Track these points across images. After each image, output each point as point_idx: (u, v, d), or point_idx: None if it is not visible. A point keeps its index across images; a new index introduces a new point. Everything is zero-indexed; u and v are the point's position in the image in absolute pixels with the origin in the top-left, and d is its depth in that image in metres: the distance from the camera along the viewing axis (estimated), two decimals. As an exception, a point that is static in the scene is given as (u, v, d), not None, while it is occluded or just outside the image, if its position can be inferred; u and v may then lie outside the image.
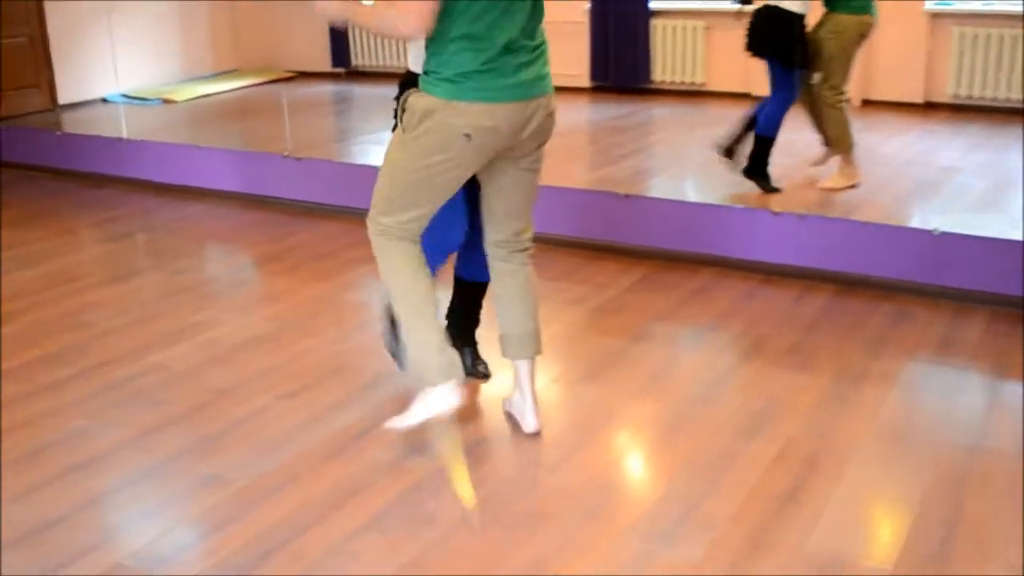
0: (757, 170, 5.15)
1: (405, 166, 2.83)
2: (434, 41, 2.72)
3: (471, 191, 3.10)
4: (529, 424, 3.12)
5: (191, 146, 6.27)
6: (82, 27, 8.16)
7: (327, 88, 9.06)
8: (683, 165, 6.06)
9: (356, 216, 5.45)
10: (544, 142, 2.94)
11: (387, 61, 9.14)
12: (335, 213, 5.49)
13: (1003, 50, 6.82)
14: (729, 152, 5.29)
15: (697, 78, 7.91)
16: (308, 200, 5.72)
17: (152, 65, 8.77)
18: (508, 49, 2.70)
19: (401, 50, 8.98)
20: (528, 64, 2.76)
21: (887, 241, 4.30)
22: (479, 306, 3.43)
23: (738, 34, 5.17)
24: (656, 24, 8.00)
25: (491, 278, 3.14)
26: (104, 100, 8.23)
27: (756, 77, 7.14)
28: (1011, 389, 3.44)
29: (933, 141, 6.16)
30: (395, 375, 3.57)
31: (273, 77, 9.14)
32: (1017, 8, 6.71)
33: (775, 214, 4.48)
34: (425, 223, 2.91)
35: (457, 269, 3.39)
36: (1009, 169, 5.45)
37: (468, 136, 2.72)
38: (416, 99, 2.76)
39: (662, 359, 3.68)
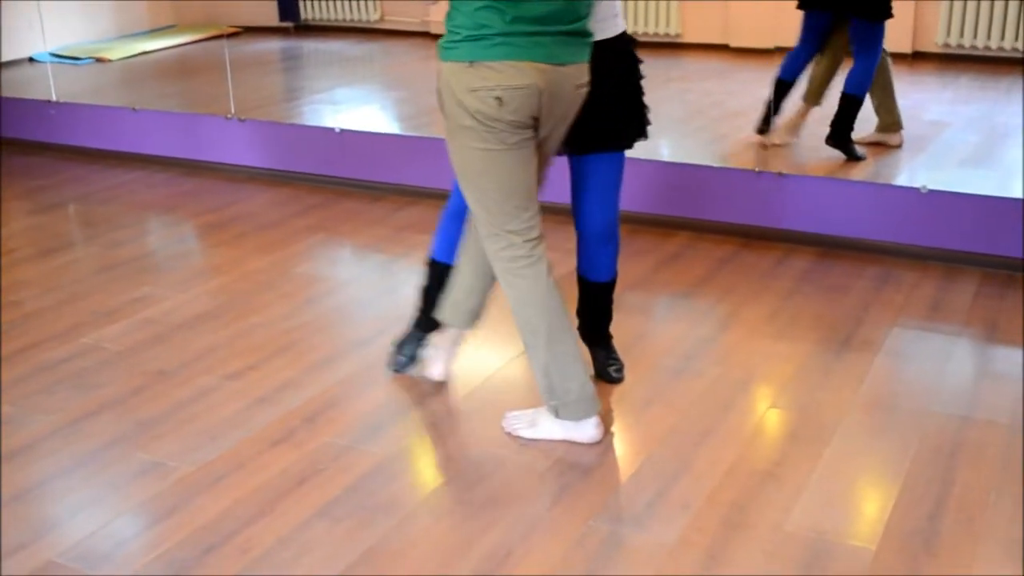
0: (844, 135, 4.91)
1: (468, 162, 2.73)
2: None
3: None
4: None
5: (127, 108, 6.19)
6: (4, -21, 8.03)
7: (274, 44, 8.96)
8: (656, 123, 6.02)
9: (305, 182, 5.47)
10: (568, 118, 2.80)
11: (341, 14, 9.03)
12: (282, 179, 5.44)
13: (995, -5, 6.82)
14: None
15: (672, 29, 7.88)
16: (253, 165, 5.68)
17: (83, 21, 8.64)
18: (539, 9, 2.55)
19: (356, 3, 8.90)
20: (570, 23, 2.61)
21: (872, 201, 4.33)
22: (602, 310, 3.32)
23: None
24: (627, -29, 7.96)
25: None
26: (31, 60, 8.09)
27: (735, 28, 7.16)
28: (1004, 355, 3.48)
29: (921, 94, 6.16)
30: (346, 354, 3.56)
31: (215, 33, 9.00)
32: (1010, -49, 6.71)
33: (756, 173, 4.49)
34: (537, 223, 2.88)
35: (577, 267, 3.33)
36: (1001, 123, 5.48)
37: (499, 100, 2.58)
38: (443, 75, 2.65)
39: (634, 330, 3.68)
